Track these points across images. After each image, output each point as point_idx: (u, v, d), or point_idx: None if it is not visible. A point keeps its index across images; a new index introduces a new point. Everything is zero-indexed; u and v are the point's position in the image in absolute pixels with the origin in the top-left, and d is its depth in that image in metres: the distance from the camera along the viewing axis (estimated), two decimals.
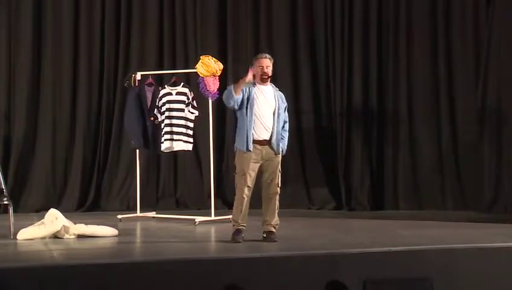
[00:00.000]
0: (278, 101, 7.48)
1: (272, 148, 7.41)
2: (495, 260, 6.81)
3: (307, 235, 8.12)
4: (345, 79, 10.75)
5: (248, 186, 7.38)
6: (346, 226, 9.00)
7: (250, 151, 7.34)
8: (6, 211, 8.14)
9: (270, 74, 7.45)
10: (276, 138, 7.42)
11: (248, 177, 7.36)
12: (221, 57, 9.91)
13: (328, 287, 5.18)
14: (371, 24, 10.74)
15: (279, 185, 7.48)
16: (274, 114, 7.43)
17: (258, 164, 7.41)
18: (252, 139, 7.36)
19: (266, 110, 7.41)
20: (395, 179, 10.68)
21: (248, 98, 7.37)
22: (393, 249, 6.86)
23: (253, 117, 7.36)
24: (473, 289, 6.64)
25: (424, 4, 10.66)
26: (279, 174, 7.46)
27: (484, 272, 6.72)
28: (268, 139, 7.40)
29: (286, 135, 7.56)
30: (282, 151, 7.50)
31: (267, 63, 7.44)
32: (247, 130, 7.35)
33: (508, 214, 9.71)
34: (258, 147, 7.39)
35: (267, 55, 7.56)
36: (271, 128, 7.40)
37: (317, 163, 10.81)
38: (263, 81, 7.45)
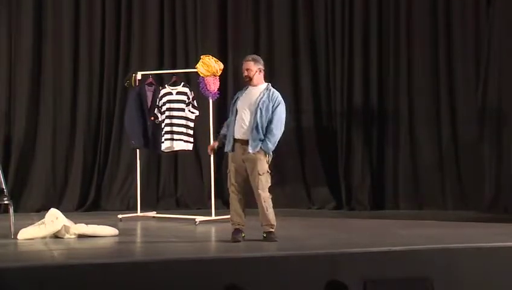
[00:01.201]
0: (262, 98, 7.38)
1: (248, 146, 7.36)
2: (495, 260, 6.81)
3: (307, 235, 8.12)
4: (345, 79, 10.74)
5: (233, 184, 7.45)
6: (346, 226, 9.00)
7: (230, 151, 7.45)
8: (6, 211, 8.15)
9: (251, 77, 7.46)
10: (252, 136, 7.33)
11: (231, 176, 7.45)
12: (221, 56, 9.91)
13: (328, 287, 5.18)
14: (371, 24, 10.74)
15: (259, 188, 7.33)
16: (251, 111, 7.38)
17: (242, 164, 7.41)
18: (232, 139, 7.43)
19: (245, 109, 7.42)
20: (395, 179, 10.67)
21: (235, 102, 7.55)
22: (393, 249, 6.86)
23: (233, 118, 7.46)
24: (473, 289, 6.64)
25: (425, 4, 10.65)
26: (261, 177, 7.32)
27: (484, 272, 6.72)
28: (246, 138, 7.38)
29: (270, 136, 7.32)
30: (265, 152, 7.34)
31: (246, 66, 7.50)
32: (229, 131, 7.49)
33: (508, 214, 9.70)
34: (238, 146, 7.43)
35: (248, 57, 7.63)
36: (247, 126, 7.39)
37: (317, 163, 10.81)
38: (246, 84, 7.55)
